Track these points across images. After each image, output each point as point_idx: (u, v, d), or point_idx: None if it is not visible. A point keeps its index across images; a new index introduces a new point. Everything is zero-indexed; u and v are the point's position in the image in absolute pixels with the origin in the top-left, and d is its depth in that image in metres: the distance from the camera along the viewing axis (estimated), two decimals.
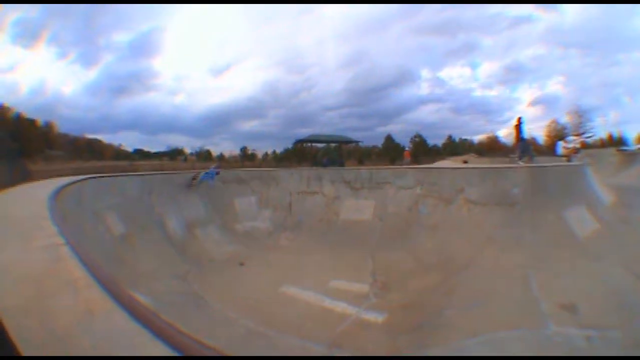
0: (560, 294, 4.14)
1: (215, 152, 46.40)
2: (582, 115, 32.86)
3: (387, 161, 32.40)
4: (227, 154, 46.28)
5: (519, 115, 10.28)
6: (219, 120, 59.95)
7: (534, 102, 59.44)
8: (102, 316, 1.03)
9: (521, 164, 8.95)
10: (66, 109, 48.66)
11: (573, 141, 29.96)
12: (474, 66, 76.86)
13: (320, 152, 21.09)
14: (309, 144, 20.56)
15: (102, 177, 7.08)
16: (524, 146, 10.10)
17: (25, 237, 2.08)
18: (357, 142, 20.42)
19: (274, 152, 47.34)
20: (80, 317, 1.04)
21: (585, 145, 28.51)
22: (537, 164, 9.14)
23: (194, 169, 13.60)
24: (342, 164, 14.49)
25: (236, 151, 47.69)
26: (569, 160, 12.43)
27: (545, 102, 58.21)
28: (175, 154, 45.08)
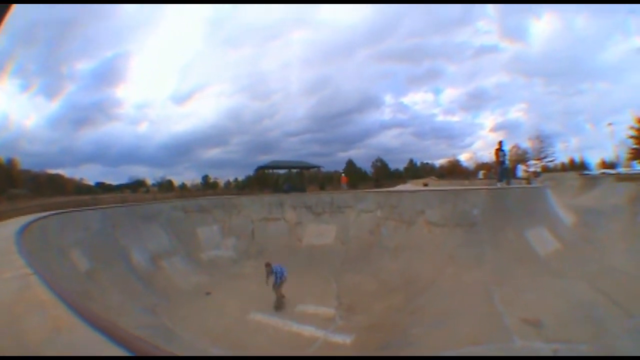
0: (524, 309, 4.25)
1: (177, 181, 45.76)
2: (543, 141, 34.43)
3: (349, 186, 32.81)
4: (189, 182, 45.67)
5: (500, 140, 10.65)
6: (182, 149, 58.88)
7: (496, 128, 61.67)
8: (67, 330, 1.11)
9: (499, 185, 9.27)
10: (28, 143, 46.69)
11: (534, 165, 31.38)
12: (437, 92, 79.07)
13: (281, 179, 21.21)
14: (271, 171, 20.63)
15: (65, 212, 6.88)
16: (503, 169, 10.42)
17: None
18: (318, 167, 20.69)
19: (236, 179, 46.83)
20: (48, 334, 1.11)
21: (546, 169, 29.90)
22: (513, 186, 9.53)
23: (156, 200, 13.29)
24: (303, 190, 14.61)
25: (198, 179, 47.26)
26: (529, 183, 12.89)
27: (507, 127, 60.44)
28: (137, 185, 43.88)
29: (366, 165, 50.11)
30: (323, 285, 6.81)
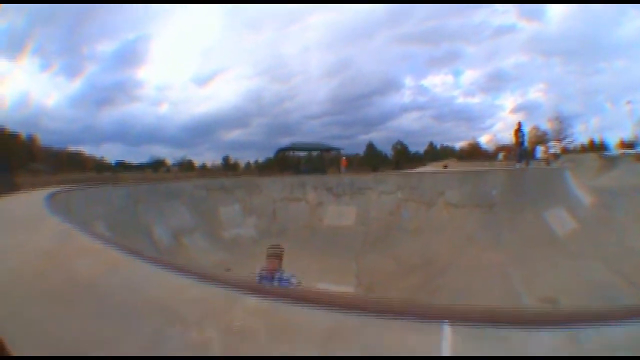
0: (542, 288, 4.33)
1: (197, 162, 46.10)
2: (563, 122, 33.55)
3: (369, 169, 32.57)
4: (209, 163, 45.94)
5: (519, 120, 10.49)
6: (202, 130, 59.22)
7: (516, 109, 60.20)
8: (124, 267, 1.18)
9: (518, 167, 9.17)
10: (49, 121, 47.58)
11: (554, 146, 30.65)
12: (456, 74, 77.66)
13: (302, 161, 21.19)
14: (292, 153, 20.57)
15: (89, 187, 7.03)
16: (522, 151, 10.30)
17: (32, 228, 2.21)
18: (338, 149, 20.58)
19: (257, 161, 46.86)
20: (103, 271, 1.19)
21: (565, 151, 29.21)
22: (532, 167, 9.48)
23: (178, 179, 13.41)
24: (323, 172, 14.65)
25: (218, 161, 47.37)
26: (548, 165, 12.67)
27: (526, 109, 58.96)
28: (158, 165, 44.29)
29: (386, 149, 48.71)
30: (343, 265, 6.82)
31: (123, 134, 55.18)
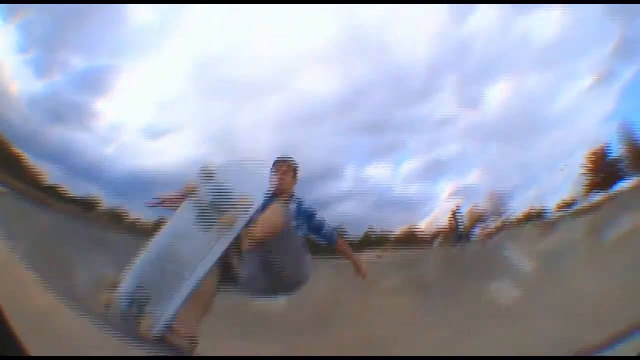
0: None
1: (133, 216, 43.66)
2: (501, 198, 35.23)
3: None
4: (143, 221, 43.50)
5: (456, 204, 10.73)
6: (142, 185, 56.49)
7: (454, 194, 62.91)
8: None
9: (456, 248, 9.31)
10: (4, 105, 43.59)
11: (493, 223, 31.82)
12: (397, 163, 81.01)
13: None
14: None
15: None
16: (460, 233, 10.46)
17: None
18: None
19: None
20: None
21: (505, 225, 30.54)
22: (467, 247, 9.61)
23: (110, 227, 12.45)
24: None
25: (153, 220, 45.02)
26: (487, 241, 12.97)
27: (465, 192, 61.50)
28: (91, 205, 41.60)
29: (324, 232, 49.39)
30: (273, 350, 6.34)
31: (66, 159, 51.55)
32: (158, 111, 13.84)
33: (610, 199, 10.21)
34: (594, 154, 8.10)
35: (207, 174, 2.02)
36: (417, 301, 6.47)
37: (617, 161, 9.16)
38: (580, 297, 5.18)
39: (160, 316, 1.95)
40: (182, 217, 2.23)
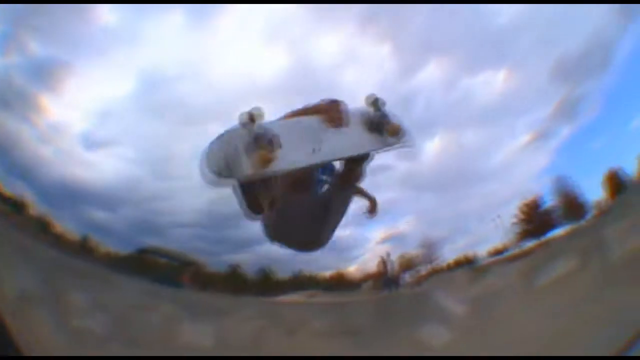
0: None
1: (58, 226, 41.04)
2: (432, 245, 36.25)
3: (230, 291, 31.61)
4: (67, 232, 41.04)
5: (385, 255, 10.87)
6: (68, 195, 53.41)
7: (385, 240, 64.50)
8: None
9: (386, 293, 9.41)
10: None
11: (423, 269, 32.74)
12: None
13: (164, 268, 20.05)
14: (151, 255, 19.23)
15: None
16: (389, 278, 10.58)
17: None
18: (197, 264, 19.52)
19: (116, 252, 43.04)
20: None
21: (436, 271, 31.50)
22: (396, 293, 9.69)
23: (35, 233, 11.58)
24: (180, 285, 13.56)
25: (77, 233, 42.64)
26: (419, 285, 13.27)
27: (395, 238, 63.11)
28: (19, 206, 38.76)
29: (252, 271, 49.08)
30: None
31: (1, 149, 47.99)
32: (100, 120, 13.19)
33: (543, 245, 10.63)
34: (527, 204, 8.44)
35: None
36: (345, 345, 6.43)
37: (549, 211, 9.57)
38: (512, 341, 5.33)
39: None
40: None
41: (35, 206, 10.27)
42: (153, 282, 11.54)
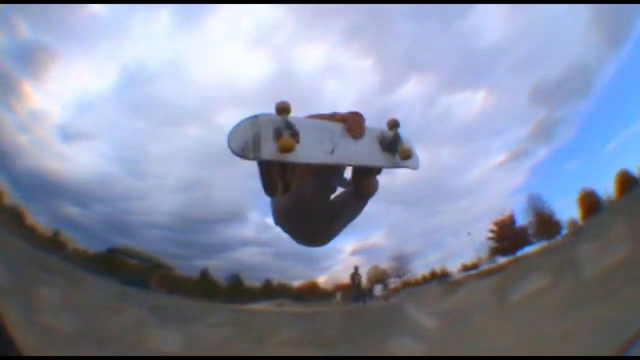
0: None
1: (30, 218, 39.87)
2: (403, 260, 36.44)
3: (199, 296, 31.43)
4: (37, 224, 39.83)
5: (355, 265, 10.95)
6: (41, 187, 51.67)
7: (356, 252, 64.41)
8: None
9: (355, 305, 9.45)
10: None
11: (394, 283, 32.86)
12: None
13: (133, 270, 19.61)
14: (122, 255, 18.73)
15: None
16: (359, 291, 10.68)
17: None
18: (168, 267, 19.19)
19: (84, 250, 41.84)
20: None
21: (407, 285, 31.74)
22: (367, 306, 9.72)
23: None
24: (149, 288, 13.31)
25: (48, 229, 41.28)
26: (387, 300, 13.44)
27: (366, 251, 62.98)
28: None
29: (221, 277, 48.45)
30: None
31: None
32: (80, 112, 12.73)
33: (515, 262, 10.76)
34: (501, 221, 8.56)
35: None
36: (312, 353, 6.49)
37: (523, 228, 9.68)
38: (482, 356, 5.42)
39: None
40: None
41: (9, 196, 9.94)
42: (123, 283, 11.31)
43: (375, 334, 6.73)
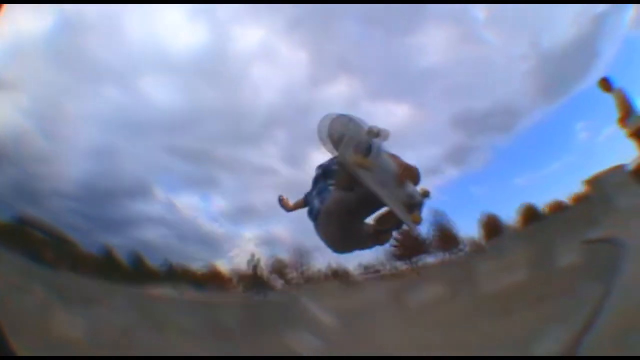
0: None
1: None
2: (303, 254, 36.94)
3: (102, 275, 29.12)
4: None
5: (257, 257, 11.28)
6: None
7: (259, 242, 63.17)
8: None
9: (256, 297, 9.68)
10: None
11: (294, 276, 33.27)
12: (208, 199, 78.79)
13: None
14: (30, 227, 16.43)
15: None
16: (259, 283, 11.04)
17: None
18: (74, 244, 17.72)
19: None
20: None
21: (308, 280, 32.21)
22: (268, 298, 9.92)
23: None
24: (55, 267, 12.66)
25: None
26: (289, 291, 13.94)
27: (269, 242, 61.76)
28: None
29: (125, 257, 45.43)
30: None
31: None
32: (6, 58, 11.68)
33: (415, 270, 11.38)
34: (404, 231, 9.08)
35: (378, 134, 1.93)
36: (212, 345, 6.54)
37: (424, 240, 10.42)
38: (377, 355, 5.64)
39: None
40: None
41: None
42: (29, 259, 10.73)
43: (273, 326, 6.82)
